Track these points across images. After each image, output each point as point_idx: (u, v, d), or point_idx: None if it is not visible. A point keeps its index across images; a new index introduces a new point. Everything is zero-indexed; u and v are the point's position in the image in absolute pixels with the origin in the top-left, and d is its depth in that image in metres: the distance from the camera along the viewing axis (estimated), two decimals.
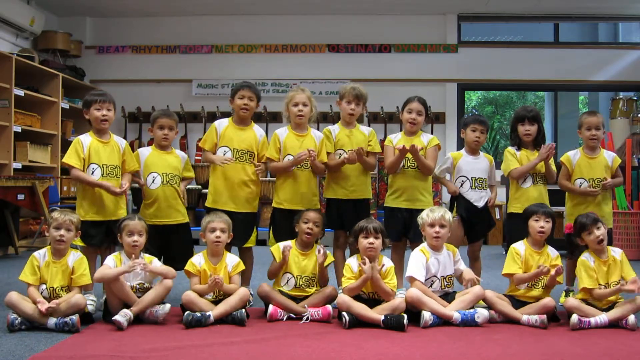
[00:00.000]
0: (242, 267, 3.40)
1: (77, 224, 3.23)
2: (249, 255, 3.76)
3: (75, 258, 3.17)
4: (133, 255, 3.18)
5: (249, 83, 3.79)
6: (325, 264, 3.41)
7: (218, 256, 3.35)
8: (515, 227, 3.62)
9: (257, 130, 3.80)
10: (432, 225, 3.32)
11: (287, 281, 3.38)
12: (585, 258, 3.27)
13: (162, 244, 3.52)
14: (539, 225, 3.34)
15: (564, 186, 3.80)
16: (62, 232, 3.13)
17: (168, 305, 3.15)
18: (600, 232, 3.23)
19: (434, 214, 3.34)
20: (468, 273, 3.35)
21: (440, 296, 3.25)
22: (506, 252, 3.49)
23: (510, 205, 3.82)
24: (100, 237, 3.46)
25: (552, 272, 3.20)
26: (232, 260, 3.37)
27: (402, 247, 3.84)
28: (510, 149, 3.86)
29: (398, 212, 3.75)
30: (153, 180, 3.61)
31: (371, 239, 3.22)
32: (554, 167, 3.77)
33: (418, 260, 3.31)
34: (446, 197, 5.41)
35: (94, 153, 3.47)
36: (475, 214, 3.74)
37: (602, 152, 3.80)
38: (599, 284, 3.19)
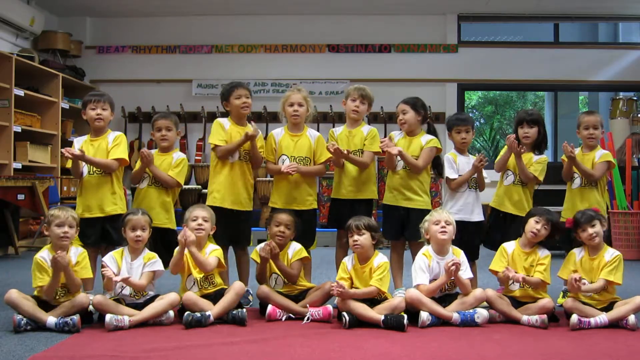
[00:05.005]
0: (219, 253, 3.34)
1: (78, 220, 3.23)
2: (245, 257, 3.75)
3: (77, 252, 3.19)
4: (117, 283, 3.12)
5: (241, 82, 3.76)
6: (294, 259, 3.42)
7: (200, 246, 3.32)
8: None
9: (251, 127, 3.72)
10: (437, 222, 3.31)
11: (275, 281, 3.41)
12: (576, 252, 3.35)
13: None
14: (535, 227, 3.33)
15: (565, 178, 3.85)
16: (66, 228, 3.12)
17: (171, 313, 3.14)
18: (594, 229, 3.25)
19: (438, 214, 3.34)
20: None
21: (439, 297, 3.24)
22: None
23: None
24: (95, 238, 3.46)
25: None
26: (211, 248, 3.36)
27: (401, 246, 3.84)
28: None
29: (395, 211, 3.75)
30: (141, 181, 3.63)
31: (355, 237, 3.26)
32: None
33: (422, 264, 3.30)
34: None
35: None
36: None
37: (595, 151, 3.79)
38: (583, 279, 3.19)
